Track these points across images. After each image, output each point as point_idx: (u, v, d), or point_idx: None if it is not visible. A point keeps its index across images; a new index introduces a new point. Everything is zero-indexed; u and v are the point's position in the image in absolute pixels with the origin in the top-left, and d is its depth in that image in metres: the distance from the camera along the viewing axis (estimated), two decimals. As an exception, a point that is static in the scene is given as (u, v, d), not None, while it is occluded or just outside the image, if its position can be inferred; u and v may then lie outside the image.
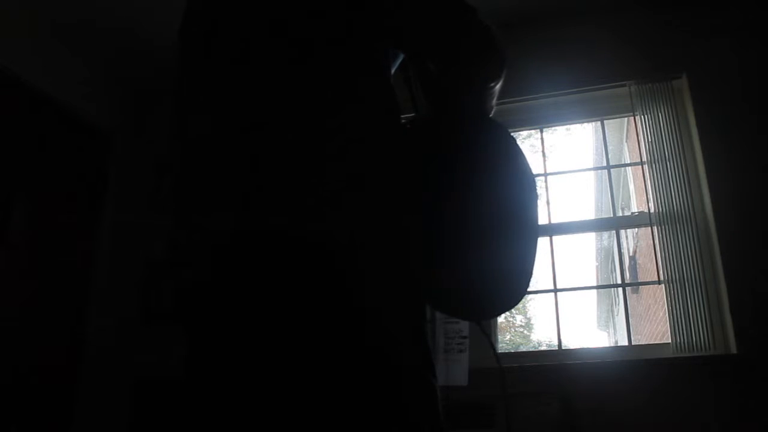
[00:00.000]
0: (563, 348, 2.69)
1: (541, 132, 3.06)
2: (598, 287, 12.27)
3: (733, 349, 2.27)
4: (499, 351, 2.48)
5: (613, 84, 2.75)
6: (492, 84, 0.92)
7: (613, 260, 9.23)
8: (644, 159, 2.63)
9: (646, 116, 2.65)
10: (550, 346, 6.74)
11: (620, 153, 6.40)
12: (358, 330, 0.76)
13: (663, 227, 2.49)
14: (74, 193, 2.99)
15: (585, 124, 6.01)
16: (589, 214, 9.52)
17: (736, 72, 2.58)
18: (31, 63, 2.76)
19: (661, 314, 5.25)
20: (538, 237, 0.92)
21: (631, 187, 6.72)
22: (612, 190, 3.71)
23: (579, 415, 2.29)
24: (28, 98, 2.78)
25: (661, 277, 2.46)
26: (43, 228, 2.77)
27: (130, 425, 2.79)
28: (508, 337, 10.85)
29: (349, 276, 0.76)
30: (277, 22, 0.84)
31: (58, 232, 2.85)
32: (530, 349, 9.46)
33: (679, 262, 2.42)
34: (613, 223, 3.28)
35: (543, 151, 3.08)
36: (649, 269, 4.91)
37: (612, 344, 9.18)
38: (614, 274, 9.06)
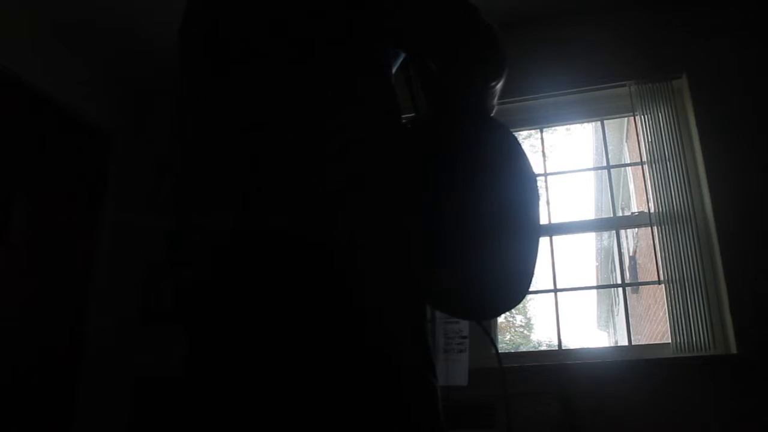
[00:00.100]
0: (563, 348, 2.69)
1: (541, 132, 3.06)
2: (598, 287, 12.27)
3: (733, 349, 2.27)
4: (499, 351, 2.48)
5: (613, 84, 2.75)
6: (493, 83, 0.92)
7: (613, 260, 9.23)
8: (644, 159, 2.63)
9: (646, 116, 2.65)
10: (550, 346, 6.74)
11: (620, 153, 6.40)
12: (359, 330, 0.76)
13: (663, 227, 2.49)
14: (74, 193, 2.98)
15: (585, 124, 6.01)
16: (589, 214, 9.52)
17: (736, 72, 2.58)
18: (31, 63, 2.76)
19: (661, 314, 5.25)
20: (539, 237, 0.92)
21: (631, 187, 6.72)
22: (612, 190, 3.71)
23: (579, 415, 2.29)
24: (28, 98, 2.78)
25: (661, 277, 2.46)
26: (43, 228, 2.77)
27: (130, 425, 2.79)
28: (508, 337, 10.84)
29: (349, 276, 0.76)
30: (277, 22, 0.84)
31: (58, 232, 2.85)
32: (530, 349, 9.46)
33: (679, 262, 2.42)
34: (613, 223, 3.28)
35: (543, 151, 3.08)
36: (649, 269, 4.91)
37: (612, 344, 9.18)
38: (614, 274, 9.06)
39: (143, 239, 3.03)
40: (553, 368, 2.42)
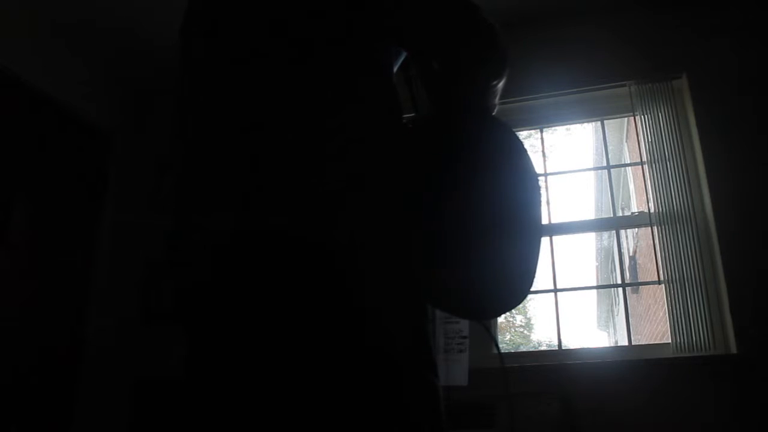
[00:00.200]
0: (563, 348, 2.69)
1: (541, 132, 3.06)
2: (598, 287, 12.27)
3: (733, 349, 2.27)
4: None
5: (613, 84, 2.75)
6: (495, 82, 0.92)
7: (613, 260, 9.23)
8: (644, 159, 2.63)
9: (646, 116, 2.65)
10: (550, 346, 6.75)
11: (620, 153, 6.40)
12: (359, 330, 0.76)
13: (663, 227, 2.49)
14: (74, 193, 2.98)
15: (585, 124, 6.01)
16: (589, 214, 9.52)
17: (736, 72, 2.58)
18: (31, 63, 2.76)
19: (661, 314, 5.25)
20: (541, 237, 0.92)
21: (631, 187, 6.72)
22: (612, 190, 3.71)
23: (579, 415, 2.29)
24: (28, 98, 2.77)
25: (661, 277, 2.46)
26: (43, 228, 2.77)
27: (130, 425, 2.79)
28: (508, 337, 10.85)
29: (350, 276, 0.76)
30: (277, 22, 0.84)
31: (58, 232, 2.85)
32: (530, 349, 9.46)
33: (679, 262, 2.42)
34: (613, 223, 3.28)
35: (543, 151, 3.08)
36: (649, 269, 4.90)
37: (612, 344, 9.18)
38: (614, 274, 9.06)
39: (143, 239, 3.03)
40: (553, 368, 2.42)
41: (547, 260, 2.75)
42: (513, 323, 11.22)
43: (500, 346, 1.94)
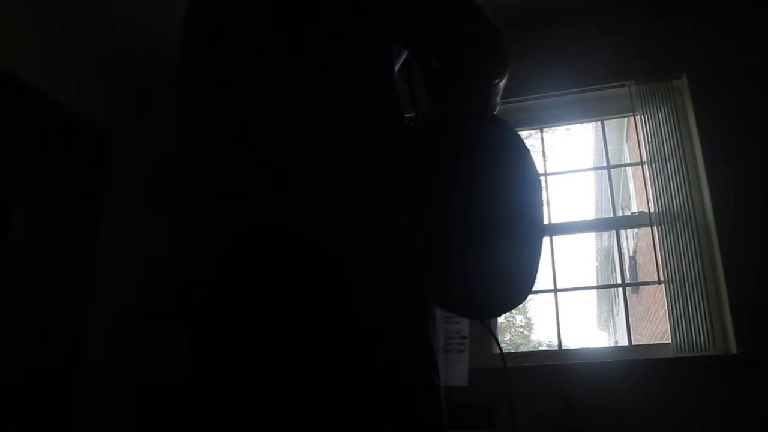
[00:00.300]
0: (563, 348, 2.69)
1: (541, 132, 3.06)
2: (598, 287, 12.27)
3: (733, 349, 2.27)
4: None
5: (613, 84, 2.75)
6: (496, 81, 0.92)
7: (613, 260, 9.23)
8: (644, 159, 2.63)
9: (646, 116, 2.65)
10: (550, 346, 6.74)
11: (620, 153, 6.40)
12: (362, 330, 0.76)
13: (663, 227, 2.49)
14: (74, 193, 2.98)
15: (585, 124, 6.01)
16: (589, 214, 9.53)
17: (736, 72, 2.58)
18: (31, 63, 2.76)
19: (661, 314, 5.25)
20: (543, 236, 0.92)
21: (631, 187, 6.72)
22: (612, 190, 3.71)
23: (579, 415, 2.29)
24: (28, 98, 2.78)
25: (661, 277, 2.46)
26: (43, 228, 2.77)
27: (131, 425, 2.79)
28: (508, 337, 10.85)
29: (353, 274, 0.76)
30: (277, 22, 0.84)
31: (58, 232, 2.85)
32: (530, 349, 9.46)
33: (679, 262, 2.42)
34: (613, 223, 3.28)
35: (543, 151, 3.09)
36: (649, 269, 4.91)
37: (612, 344, 9.18)
38: (614, 274, 9.06)
39: (143, 239, 3.04)
40: (553, 368, 2.42)
41: (547, 260, 2.75)
42: (513, 323, 11.22)
43: (500, 346, 1.93)
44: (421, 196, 0.85)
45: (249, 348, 0.78)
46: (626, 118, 3.53)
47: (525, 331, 11.53)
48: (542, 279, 2.91)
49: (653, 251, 2.53)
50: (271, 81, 0.81)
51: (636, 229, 5.55)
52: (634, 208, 6.45)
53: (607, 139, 3.12)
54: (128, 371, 2.86)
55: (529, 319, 11.42)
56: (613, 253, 8.86)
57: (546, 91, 2.81)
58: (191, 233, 0.83)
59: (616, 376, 2.33)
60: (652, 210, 2.56)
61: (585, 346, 3.69)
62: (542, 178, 3.10)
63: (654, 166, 2.58)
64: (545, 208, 0.93)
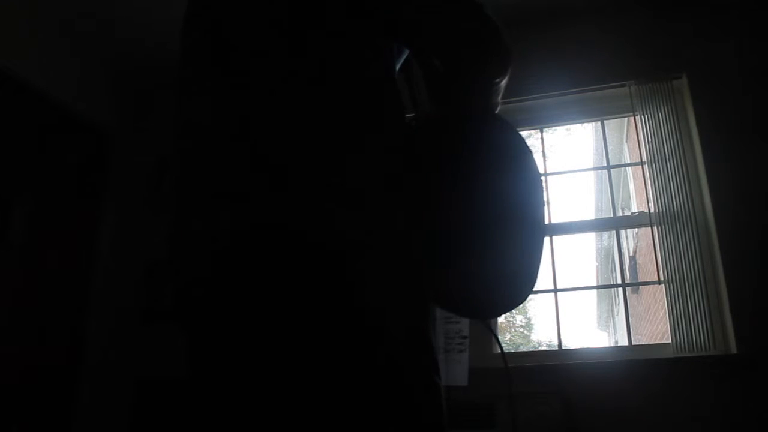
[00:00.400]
0: (563, 348, 2.69)
1: (541, 132, 3.06)
2: (598, 287, 12.28)
3: (733, 349, 2.27)
4: (499, 351, 2.48)
5: (613, 84, 2.75)
6: (498, 80, 0.92)
7: (613, 260, 9.24)
8: (644, 159, 2.63)
9: (646, 116, 2.65)
10: (550, 346, 6.74)
11: (620, 153, 6.41)
12: (361, 329, 0.76)
13: (663, 227, 2.49)
14: (74, 193, 2.98)
15: (585, 124, 6.01)
16: (589, 214, 9.53)
17: (736, 72, 2.59)
18: (31, 63, 2.76)
19: (661, 314, 5.25)
20: (543, 236, 0.91)
21: (631, 187, 6.72)
22: (612, 190, 3.71)
23: (579, 415, 2.29)
24: (28, 98, 2.78)
25: (661, 277, 2.46)
26: (43, 228, 2.77)
27: (131, 425, 2.79)
28: (508, 337, 10.85)
29: (353, 274, 0.76)
30: (277, 21, 0.84)
31: (58, 232, 2.85)
32: (530, 349, 9.47)
33: (679, 262, 2.42)
34: (613, 223, 3.28)
35: (543, 151, 3.09)
36: (649, 269, 4.91)
37: (612, 344, 9.18)
38: (614, 274, 9.06)
39: (143, 239, 3.04)
40: (553, 368, 2.42)
41: (547, 260, 2.75)
42: (513, 323, 11.23)
43: (501, 345, 1.94)
44: (422, 195, 0.85)
45: (249, 348, 0.78)
46: (626, 118, 3.53)
47: (525, 331, 11.54)
48: (542, 279, 2.91)
49: (653, 251, 2.53)
50: (271, 81, 0.81)
51: (636, 229, 5.55)
52: (634, 208, 6.45)
53: (607, 139, 3.12)
54: (128, 371, 2.86)
55: (529, 319, 11.44)
56: (613, 253, 8.87)
57: (546, 91, 2.81)
58: (191, 233, 0.83)
59: (616, 376, 2.33)
60: (652, 210, 2.56)
61: (585, 346, 3.69)
62: (542, 178, 3.10)
63: (654, 166, 2.58)
64: (546, 208, 0.93)
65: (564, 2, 2.80)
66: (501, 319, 6.00)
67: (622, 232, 6.70)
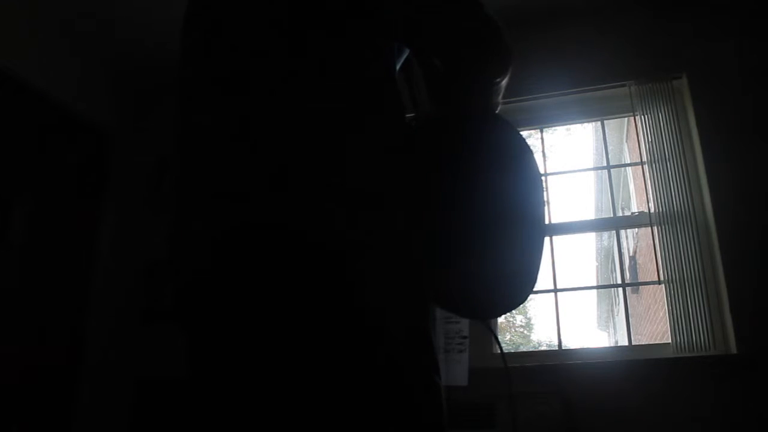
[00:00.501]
0: (563, 348, 2.69)
1: (541, 132, 3.06)
2: (598, 287, 12.28)
3: (733, 349, 2.27)
4: (499, 351, 2.48)
5: (613, 84, 2.75)
6: (498, 79, 0.91)
7: (613, 260, 9.23)
8: (644, 159, 2.63)
9: (646, 116, 2.65)
10: (550, 346, 6.75)
11: (620, 153, 6.41)
12: (361, 329, 0.75)
13: (663, 227, 2.49)
14: (74, 193, 2.99)
15: (585, 124, 6.01)
16: (589, 214, 9.53)
17: (736, 72, 2.58)
18: (31, 63, 2.76)
19: (661, 314, 5.25)
20: (544, 236, 0.91)
21: (631, 187, 6.72)
22: (612, 190, 3.71)
23: (579, 415, 2.29)
24: (28, 98, 2.78)
25: (661, 277, 2.46)
26: (43, 228, 2.77)
27: (131, 425, 2.79)
28: (508, 337, 10.85)
29: (353, 274, 0.76)
30: (277, 21, 0.84)
31: (58, 232, 2.85)
32: (530, 349, 9.47)
33: (679, 262, 2.42)
34: (613, 223, 3.28)
35: (543, 151, 3.09)
36: (649, 269, 4.91)
37: (612, 344, 9.18)
38: (614, 274, 9.06)
39: (143, 239, 3.04)
40: (553, 368, 2.42)
41: (547, 260, 2.75)
42: (513, 323, 11.23)
43: (501, 346, 1.94)
44: (422, 195, 0.85)
45: (249, 348, 0.78)
46: (626, 118, 3.53)
47: (525, 331, 11.54)
48: (542, 279, 2.91)
49: (653, 251, 2.53)
50: (271, 81, 0.81)
51: (636, 229, 5.55)
52: (634, 208, 6.45)
53: (607, 139, 3.12)
54: (128, 371, 2.86)
55: (529, 319, 11.44)
56: (613, 253, 8.87)
57: (546, 91, 2.81)
58: (191, 233, 0.83)
59: (616, 376, 2.33)
60: (652, 210, 2.56)
61: (585, 346, 3.69)
62: (543, 178, 3.10)
63: (654, 166, 2.58)
64: (546, 207, 0.93)
65: (564, 2, 2.80)
66: (501, 319, 6.00)
67: (622, 232, 6.70)
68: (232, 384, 0.78)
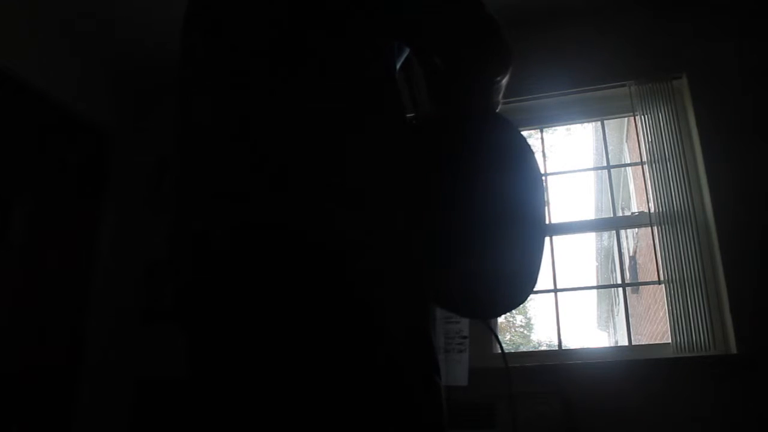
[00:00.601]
0: (563, 348, 2.69)
1: (541, 132, 3.06)
2: (598, 287, 12.28)
3: (733, 349, 2.27)
4: (499, 351, 2.48)
5: (613, 84, 2.75)
6: (498, 79, 0.91)
7: (613, 260, 9.23)
8: (644, 159, 2.63)
9: (646, 116, 2.65)
10: (550, 346, 6.74)
11: (620, 153, 6.40)
12: (361, 329, 0.75)
13: (663, 227, 2.49)
14: (74, 193, 2.98)
15: (585, 124, 6.01)
16: (589, 214, 9.53)
17: (736, 72, 2.58)
18: (31, 63, 2.76)
19: (661, 314, 5.25)
20: (544, 235, 0.91)
21: (631, 187, 6.72)
22: (612, 190, 3.71)
23: (579, 415, 2.29)
24: (28, 98, 2.77)
25: (661, 277, 2.46)
26: (43, 228, 2.77)
27: (131, 425, 2.79)
28: (508, 337, 10.85)
29: (353, 274, 0.76)
30: (277, 21, 0.84)
31: (58, 232, 2.85)
32: (530, 349, 9.46)
33: (679, 262, 2.42)
34: (613, 223, 3.28)
35: (543, 151, 3.09)
36: (649, 269, 4.91)
37: (612, 344, 9.18)
38: (614, 274, 9.06)
39: (143, 239, 3.03)
40: (553, 368, 2.42)
41: (547, 260, 2.75)
42: (513, 323, 11.23)
43: (502, 345, 1.94)
44: (422, 195, 0.85)
45: (249, 348, 0.78)
46: (626, 118, 3.53)
47: (525, 331, 11.54)
48: (542, 279, 2.91)
49: (653, 251, 2.53)
50: (271, 81, 0.81)
51: (636, 229, 5.55)
52: (634, 208, 6.45)
53: (607, 139, 3.12)
54: (128, 371, 2.86)
55: (529, 319, 11.44)
56: (613, 253, 8.86)
57: (546, 91, 2.81)
58: (191, 233, 0.83)
59: (616, 376, 2.33)
60: (652, 210, 2.56)
61: (585, 346, 3.69)
62: (543, 178, 3.10)
63: (654, 166, 2.58)
64: (547, 207, 0.93)
65: (564, 2, 2.80)
66: (501, 319, 6.00)
67: (622, 232, 6.70)
68: (232, 384, 0.78)
